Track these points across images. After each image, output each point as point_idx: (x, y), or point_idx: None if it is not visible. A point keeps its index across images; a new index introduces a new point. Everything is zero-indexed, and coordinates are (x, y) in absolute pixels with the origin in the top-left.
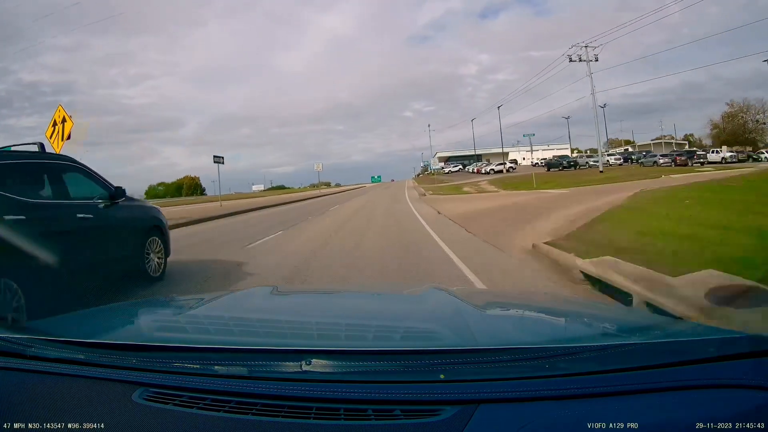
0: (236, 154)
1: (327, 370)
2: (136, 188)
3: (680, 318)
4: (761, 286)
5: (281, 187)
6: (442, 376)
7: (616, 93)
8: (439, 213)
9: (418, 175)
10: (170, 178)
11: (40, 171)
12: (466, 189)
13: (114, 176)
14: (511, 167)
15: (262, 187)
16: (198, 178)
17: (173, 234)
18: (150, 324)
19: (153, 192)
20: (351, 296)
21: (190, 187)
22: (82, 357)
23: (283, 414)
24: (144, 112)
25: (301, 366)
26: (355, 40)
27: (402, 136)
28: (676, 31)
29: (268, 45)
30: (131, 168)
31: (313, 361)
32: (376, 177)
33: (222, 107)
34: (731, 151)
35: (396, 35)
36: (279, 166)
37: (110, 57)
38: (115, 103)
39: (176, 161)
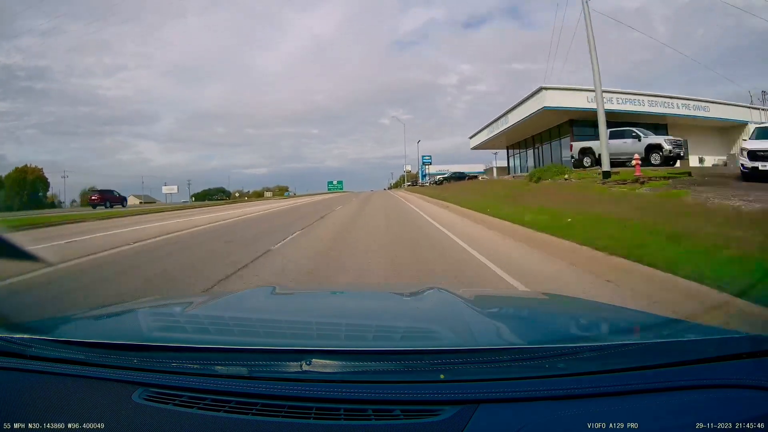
0: (209, 154)
1: (327, 370)
2: (110, 183)
3: (680, 318)
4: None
5: (221, 192)
6: (442, 376)
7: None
8: None
9: (406, 184)
10: (145, 171)
11: None
12: None
13: (85, 169)
14: None
15: (175, 190)
16: (41, 170)
17: None
18: (150, 324)
19: None
20: (351, 296)
21: (16, 185)
22: (82, 357)
23: (283, 414)
24: (118, 105)
25: (301, 366)
26: (335, 43)
27: (377, 143)
28: (660, 51)
29: (246, 43)
30: (104, 161)
31: (313, 361)
32: (335, 184)
33: (197, 104)
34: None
35: (377, 41)
36: (252, 167)
37: (86, 44)
38: (89, 94)
39: (149, 156)
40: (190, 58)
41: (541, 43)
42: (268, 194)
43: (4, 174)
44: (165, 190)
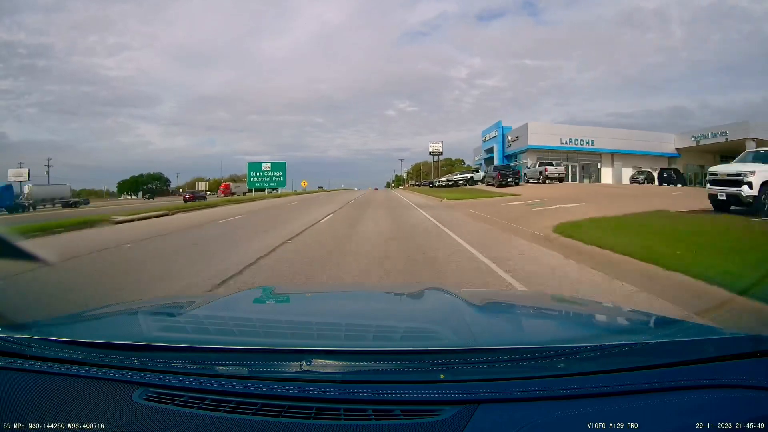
0: (211, 139)
1: (327, 370)
2: (109, 169)
3: (680, 318)
4: None
5: (157, 179)
6: (442, 376)
7: (602, 111)
8: None
9: (456, 176)
10: (143, 157)
11: None
12: None
13: (85, 150)
14: None
15: (24, 176)
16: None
17: None
18: (150, 324)
19: None
20: (351, 296)
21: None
22: (82, 357)
23: (283, 414)
24: (120, 85)
25: (301, 366)
26: (343, 31)
27: (381, 135)
28: (674, 54)
29: (252, 27)
30: (105, 143)
31: (313, 361)
32: (265, 173)
33: (200, 88)
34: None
35: (387, 30)
36: (254, 154)
37: (89, 22)
38: (91, 73)
39: (150, 140)
40: (194, 40)
41: (554, 39)
42: (201, 185)
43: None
44: (12, 175)
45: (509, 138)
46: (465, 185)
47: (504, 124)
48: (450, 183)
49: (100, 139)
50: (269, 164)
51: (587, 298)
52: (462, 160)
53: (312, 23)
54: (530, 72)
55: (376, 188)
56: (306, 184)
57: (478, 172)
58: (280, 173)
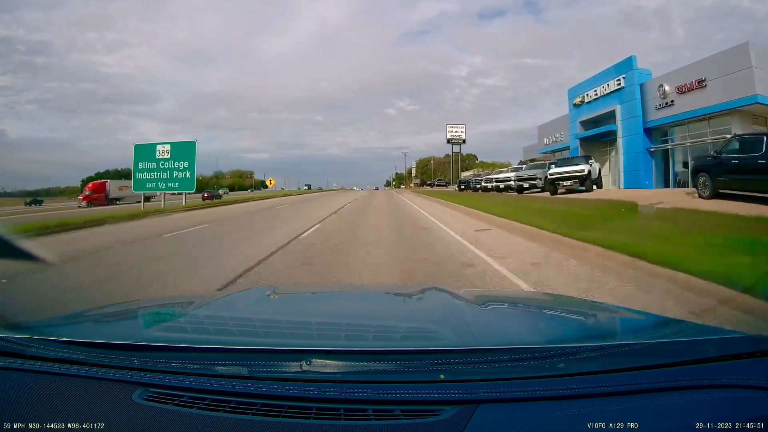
0: (211, 137)
1: (327, 370)
2: (107, 163)
3: (680, 318)
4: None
5: (126, 177)
6: (442, 376)
7: None
8: None
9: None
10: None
11: None
12: None
13: (85, 148)
14: None
15: None
16: None
17: None
18: (150, 324)
19: None
20: (351, 296)
21: None
22: (82, 357)
23: (283, 414)
24: (120, 82)
25: (301, 366)
26: (343, 30)
27: (381, 133)
28: (675, 54)
29: (253, 26)
30: (105, 140)
31: (313, 361)
32: (165, 159)
33: (200, 86)
34: None
35: (387, 29)
36: (254, 152)
37: (88, 19)
38: (90, 70)
39: (150, 137)
40: (195, 38)
41: (555, 38)
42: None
43: None
44: None
45: (664, 89)
46: (568, 190)
47: (640, 65)
48: (526, 184)
49: (100, 137)
50: (167, 146)
51: (587, 299)
52: (475, 156)
53: (312, 22)
54: (531, 71)
55: (377, 188)
56: (273, 183)
57: (590, 163)
58: (187, 164)
